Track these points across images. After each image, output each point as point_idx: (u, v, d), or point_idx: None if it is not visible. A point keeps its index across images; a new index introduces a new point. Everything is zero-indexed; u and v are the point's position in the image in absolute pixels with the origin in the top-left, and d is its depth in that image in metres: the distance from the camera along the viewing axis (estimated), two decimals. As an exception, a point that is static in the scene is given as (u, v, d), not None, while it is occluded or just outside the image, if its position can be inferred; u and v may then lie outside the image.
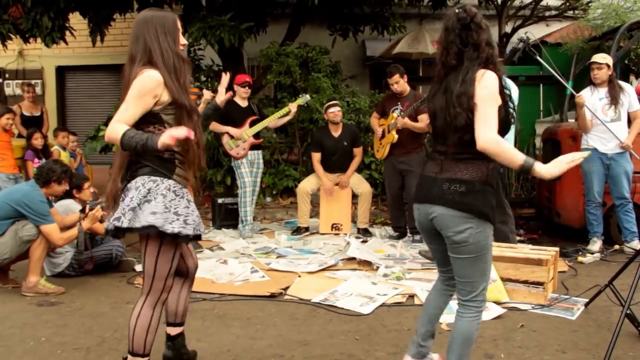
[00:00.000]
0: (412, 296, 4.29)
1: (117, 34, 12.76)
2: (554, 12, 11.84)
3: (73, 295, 4.44)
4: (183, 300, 3.02)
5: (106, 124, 8.50)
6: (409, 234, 6.37)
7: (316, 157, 6.78)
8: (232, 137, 6.46)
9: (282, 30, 9.52)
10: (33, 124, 8.27)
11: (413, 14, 11.90)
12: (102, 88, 13.08)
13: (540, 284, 4.07)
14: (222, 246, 6.10)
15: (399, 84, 6.06)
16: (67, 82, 13.56)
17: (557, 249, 4.52)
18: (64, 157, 7.13)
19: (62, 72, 13.37)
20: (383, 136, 6.28)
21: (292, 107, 6.58)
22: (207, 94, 5.60)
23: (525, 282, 4.13)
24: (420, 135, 6.21)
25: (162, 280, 2.67)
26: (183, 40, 2.73)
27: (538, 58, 5.27)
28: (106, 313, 4.02)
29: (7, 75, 13.22)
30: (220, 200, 7.12)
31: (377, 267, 5.00)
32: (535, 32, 11.49)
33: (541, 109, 8.45)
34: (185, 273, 3.01)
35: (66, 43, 8.70)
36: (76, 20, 9.05)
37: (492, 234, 2.56)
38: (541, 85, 8.38)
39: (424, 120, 6.08)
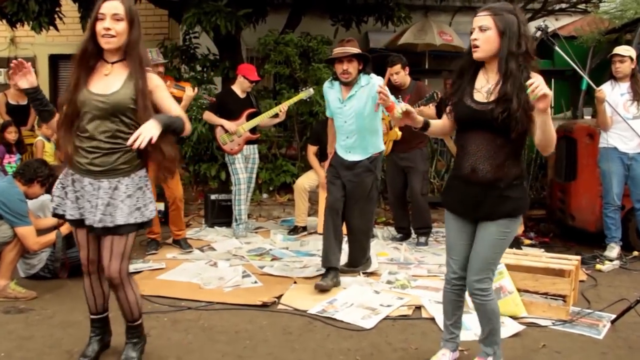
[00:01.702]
0: (418, 308, 3.89)
1: (112, 22, 12.38)
2: (564, 5, 11.39)
3: (45, 300, 4.03)
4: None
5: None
6: (413, 235, 5.98)
7: (312, 149, 6.40)
8: (226, 130, 6.05)
9: (282, 20, 9.10)
10: (19, 113, 7.87)
11: (418, 5, 11.48)
12: (97, 77, 12.62)
13: (562, 297, 3.68)
14: (213, 246, 5.70)
15: (399, 75, 5.65)
16: (61, 71, 13.13)
17: (578, 257, 4.12)
18: (49, 148, 6.73)
19: (55, 61, 12.94)
20: (385, 133, 5.87)
21: (283, 108, 6.12)
22: (189, 91, 5.22)
23: (544, 294, 3.73)
24: None
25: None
26: (104, 24, 2.64)
27: (557, 49, 4.83)
28: (79, 323, 3.61)
29: (-3, 64, 12.79)
30: (213, 197, 6.71)
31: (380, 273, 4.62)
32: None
33: (552, 105, 8.07)
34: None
35: (56, 29, 8.28)
36: (69, 7, 8.61)
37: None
38: (552, 80, 7.99)
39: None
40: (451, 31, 9.60)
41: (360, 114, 4.34)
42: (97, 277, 2.99)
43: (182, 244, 5.57)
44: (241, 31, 8.19)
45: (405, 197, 5.99)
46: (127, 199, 2.74)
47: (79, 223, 2.82)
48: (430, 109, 5.32)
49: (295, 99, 6.21)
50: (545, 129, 2.45)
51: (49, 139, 6.79)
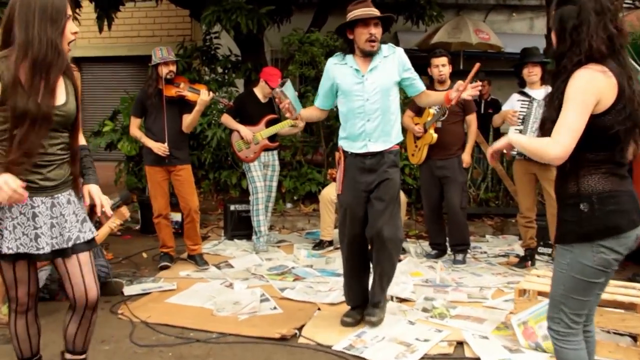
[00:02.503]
0: (460, 343, 3.37)
1: (135, 24, 12.12)
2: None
3: (39, 328, 3.62)
4: (70, 329, 2.57)
5: (112, 119, 7.77)
6: (449, 252, 5.44)
7: None
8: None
9: (308, 20, 8.65)
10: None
11: (450, 4, 10.96)
12: (120, 80, 12.38)
13: (633, 337, 3.13)
14: (231, 262, 5.24)
15: (446, 67, 5.12)
16: (83, 74, 12.92)
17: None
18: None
19: (77, 64, 12.71)
20: (419, 137, 5.34)
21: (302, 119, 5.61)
22: (204, 94, 4.75)
23: (610, 331, 3.19)
24: (462, 134, 5.29)
25: (9, 291, 2.50)
26: (73, 28, 2.38)
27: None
28: (73, 358, 3.18)
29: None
30: (232, 207, 6.27)
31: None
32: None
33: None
34: (72, 301, 2.52)
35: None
36: (90, 9, 8.26)
37: None
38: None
39: (472, 122, 5.22)
40: (488, 29, 9.02)
41: (386, 90, 3.49)
42: (34, 313, 2.59)
43: (197, 260, 5.13)
44: (264, 30, 7.77)
45: (441, 210, 5.47)
46: (81, 211, 2.51)
47: (16, 257, 2.39)
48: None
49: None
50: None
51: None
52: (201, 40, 8.84)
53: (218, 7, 6.50)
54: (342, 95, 3.61)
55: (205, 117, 7.13)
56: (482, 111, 8.08)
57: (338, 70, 3.58)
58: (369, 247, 3.68)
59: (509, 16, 11.67)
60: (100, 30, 7.75)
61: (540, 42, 9.93)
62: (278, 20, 8.63)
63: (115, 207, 4.19)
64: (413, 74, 3.59)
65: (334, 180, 5.58)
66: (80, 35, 9.37)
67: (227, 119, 5.73)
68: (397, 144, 3.64)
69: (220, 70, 8.07)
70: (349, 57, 3.56)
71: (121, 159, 7.72)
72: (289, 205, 7.30)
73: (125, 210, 4.25)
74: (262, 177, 5.74)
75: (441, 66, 5.11)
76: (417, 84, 3.62)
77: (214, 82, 7.76)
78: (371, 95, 3.49)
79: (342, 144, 3.68)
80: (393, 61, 3.53)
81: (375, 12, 3.44)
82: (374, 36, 3.40)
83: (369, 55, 3.49)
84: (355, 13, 3.44)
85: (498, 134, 7.85)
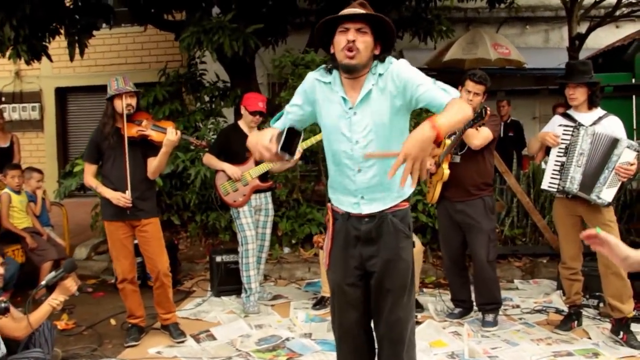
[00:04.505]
0: None
1: (122, 50, 11.47)
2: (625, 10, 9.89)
3: None
4: None
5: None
6: (475, 309, 4.53)
7: None
8: (229, 177, 4.76)
9: (304, 42, 7.85)
10: (1, 156, 6.80)
11: (458, 17, 10.20)
12: (107, 111, 11.65)
13: None
14: (213, 332, 4.33)
15: (478, 98, 4.15)
16: (69, 104, 12.27)
17: None
18: (18, 201, 5.50)
19: (62, 94, 12.09)
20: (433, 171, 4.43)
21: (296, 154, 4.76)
22: (170, 134, 3.91)
23: None
24: (486, 171, 4.30)
25: None
26: None
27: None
28: None
29: (3, 99, 11.93)
30: (219, 258, 5.36)
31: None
32: (604, 35, 9.63)
33: (635, 127, 6.69)
34: None
35: (42, 59, 7.18)
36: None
37: None
38: (634, 97, 6.68)
39: (481, 134, 4.12)
40: (508, 43, 8.14)
41: (384, 126, 2.43)
42: None
43: (171, 330, 4.23)
44: (254, 53, 6.94)
45: (464, 260, 4.56)
46: None
47: None
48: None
49: (313, 139, 4.79)
50: None
51: (17, 192, 5.57)
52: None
53: (197, 27, 5.68)
54: (324, 131, 2.57)
55: (188, 153, 6.28)
56: (502, 134, 7.21)
57: (321, 91, 2.50)
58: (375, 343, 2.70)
59: (522, 29, 10.91)
60: (71, 57, 6.98)
61: (558, 56, 9.13)
62: (272, 42, 7.85)
63: (58, 280, 3.34)
64: (421, 80, 2.35)
65: (321, 248, 4.70)
66: (65, 64, 8.73)
67: (209, 159, 4.89)
68: (406, 200, 2.56)
69: (206, 98, 7.24)
70: (335, 74, 2.46)
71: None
72: (286, 250, 6.40)
73: (70, 283, 3.37)
74: (254, 224, 4.87)
75: (474, 94, 4.14)
76: (435, 94, 2.32)
77: (200, 111, 6.94)
78: (361, 136, 2.44)
79: (331, 197, 2.61)
80: (390, 80, 2.40)
81: (358, 10, 2.36)
82: (352, 45, 2.31)
83: (351, 72, 2.38)
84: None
85: (521, 160, 6.99)
